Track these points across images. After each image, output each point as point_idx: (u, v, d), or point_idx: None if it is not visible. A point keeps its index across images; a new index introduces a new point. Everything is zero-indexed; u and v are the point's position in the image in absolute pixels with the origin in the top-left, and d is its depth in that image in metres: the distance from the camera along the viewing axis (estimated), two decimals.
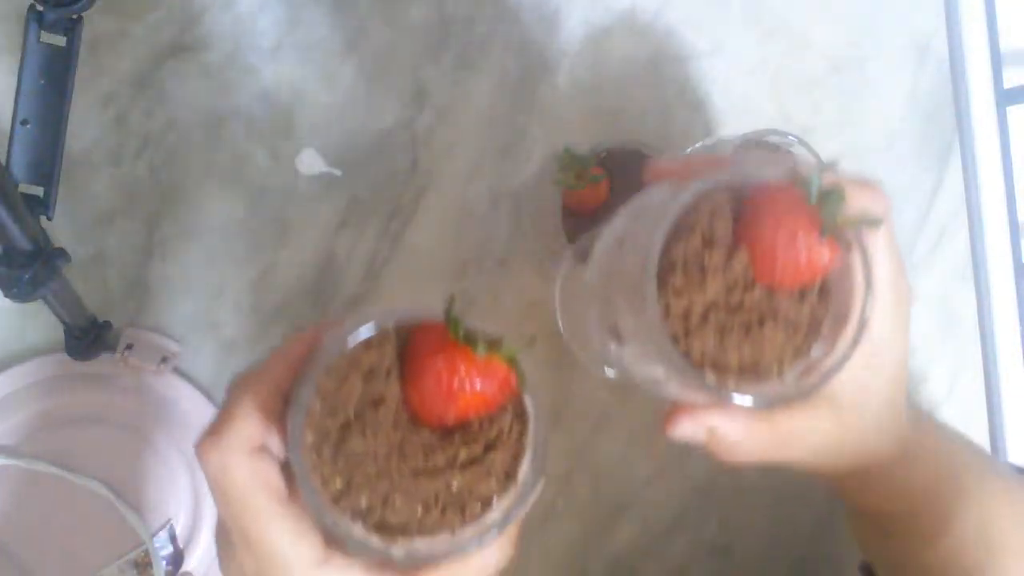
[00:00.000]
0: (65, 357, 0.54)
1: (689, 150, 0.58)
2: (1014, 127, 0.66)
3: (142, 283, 0.57)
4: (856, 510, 0.45)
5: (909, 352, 0.36)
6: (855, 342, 0.32)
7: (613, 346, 0.36)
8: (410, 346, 0.31)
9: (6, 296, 0.43)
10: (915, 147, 0.66)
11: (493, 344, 0.30)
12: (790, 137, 0.52)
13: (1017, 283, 0.66)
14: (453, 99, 0.60)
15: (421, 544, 0.30)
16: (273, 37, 0.58)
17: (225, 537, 0.32)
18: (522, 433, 0.31)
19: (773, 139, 0.53)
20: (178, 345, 0.56)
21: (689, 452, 0.61)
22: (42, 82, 0.43)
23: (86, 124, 0.56)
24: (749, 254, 0.32)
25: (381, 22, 0.59)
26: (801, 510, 0.62)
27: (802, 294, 0.33)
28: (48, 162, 0.44)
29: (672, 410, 0.35)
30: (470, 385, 0.30)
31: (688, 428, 0.35)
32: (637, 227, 0.34)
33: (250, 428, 0.31)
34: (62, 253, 0.45)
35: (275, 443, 0.31)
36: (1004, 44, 0.67)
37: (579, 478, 0.60)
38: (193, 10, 0.57)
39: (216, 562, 0.56)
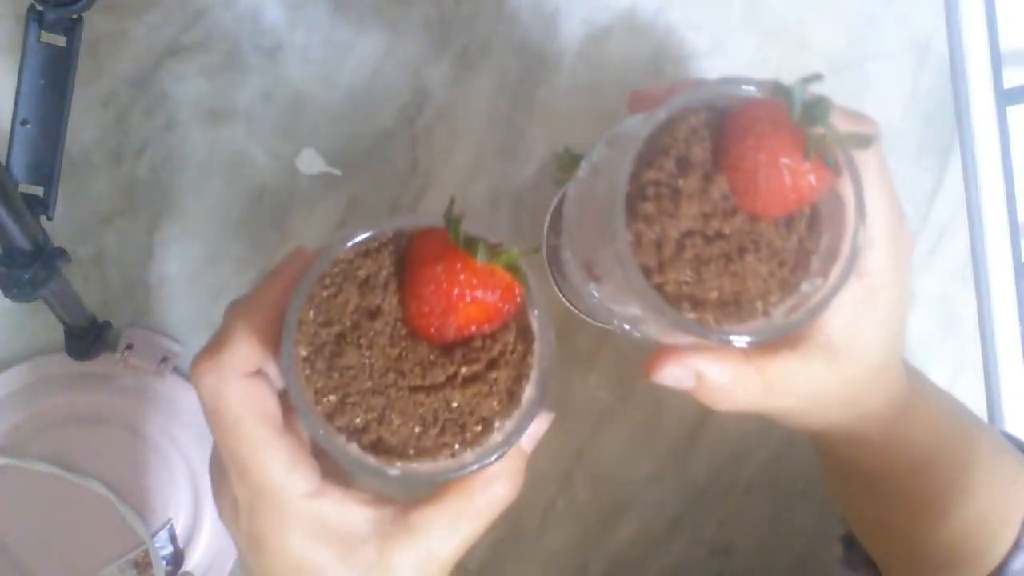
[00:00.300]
0: (65, 357, 0.54)
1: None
2: (1014, 127, 0.66)
3: (142, 283, 0.57)
4: (843, 470, 0.43)
5: (909, 297, 0.34)
6: (846, 274, 0.29)
7: (592, 286, 0.33)
8: (408, 254, 0.29)
9: (6, 296, 0.43)
10: (915, 147, 0.66)
11: (496, 250, 0.28)
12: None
13: (1017, 283, 0.66)
14: (453, 99, 0.60)
15: (419, 466, 0.28)
16: (273, 37, 0.58)
17: (219, 466, 0.31)
18: (527, 352, 0.29)
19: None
20: (178, 345, 0.56)
21: (689, 452, 0.61)
22: (42, 82, 0.43)
23: (86, 124, 0.56)
24: (728, 178, 0.29)
25: (381, 22, 0.59)
26: (801, 510, 0.62)
27: (789, 224, 0.30)
28: (48, 162, 0.44)
29: (655, 353, 0.32)
30: (471, 294, 0.28)
31: (673, 372, 0.32)
32: (611, 154, 0.31)
33: (246, 351, 0.29)
34: (62, 253, 0.45)
35: (273, 369, 0.30)
36: (1004, 44, 0.67)
37: (579, 478, 0.60)
38: (193, 10, 0.57)
39: (216, 561, 0.56)
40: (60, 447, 0.55)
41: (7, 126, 0.43)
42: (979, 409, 0.66)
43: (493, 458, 0.28)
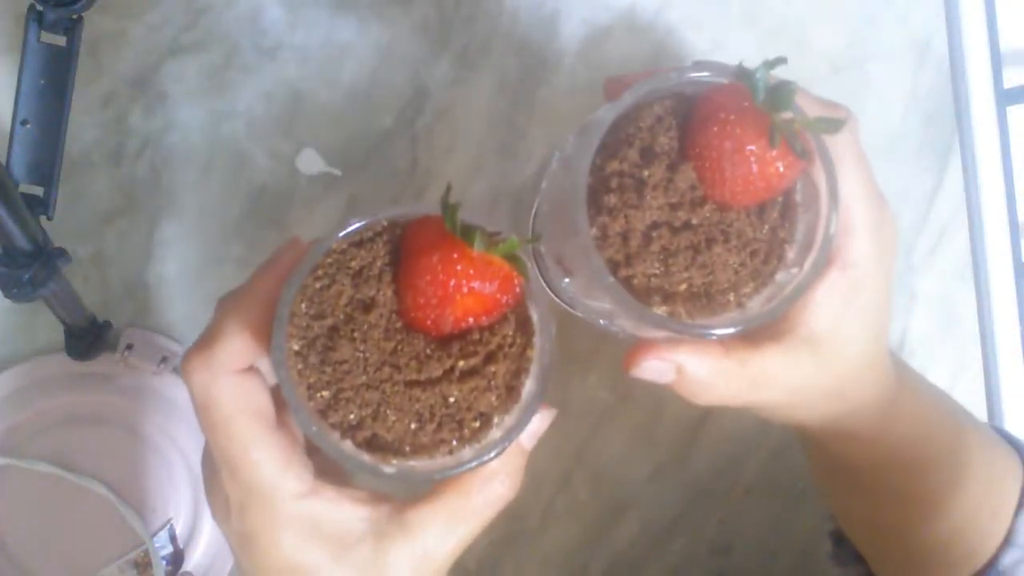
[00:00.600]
0: (65, 357, 0.54)
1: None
2: (1014, 127, 0.66)
3: (142, 283, 0.57)
4: (831, 465, 0.43)
5: (892, 289, 0.33)
6: (819, 262, 0.28)
7: (565, 281, 0.32)
8: (404, 244, 0.28)
9: (6, 296, 0.43)
10: (915, 147, 0.66)
11: (494, 239, 0.26)
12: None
13: (1017, 283, 0.66)
14: (453, 99, 0.60)
15: (416, 463, 0.27)
16: (273, 37, 0.58)
17: (210, 464, 0.30)
18: (526, 345, 0.28)
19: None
20: (178, 345, 0.56)
21: (689, 452, 0.61)
22: (42, 82, 0.43)
23: (86, 124, 0.56)
24: (695, 167, 0.28)
25: (381, 22, 0.59)
26: (801, 510, 0.62)
27: (761, 212, 0.29)
28: (48, 162, 0.44)
29: (634, 347, 0.31)
30: (467, 284, 0.26)
31: (652, 366, 0.31)
32: (579, 143, 0.29)
33: (237, 346, 0.28)
34: (62, 253, 0.45)
35: (266, 364, 0.29)
36: (1004, 44, 0.67)
37: (579, 478, 0.60)
38: (193, 10, 0.57)
39: (216, 561, 0.56)
40: (60, 447, 0.55)
41: (7, 126, 0.43)
42: (979, 409, 0.66)
43: (492, 455, 0.27)
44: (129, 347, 0.55)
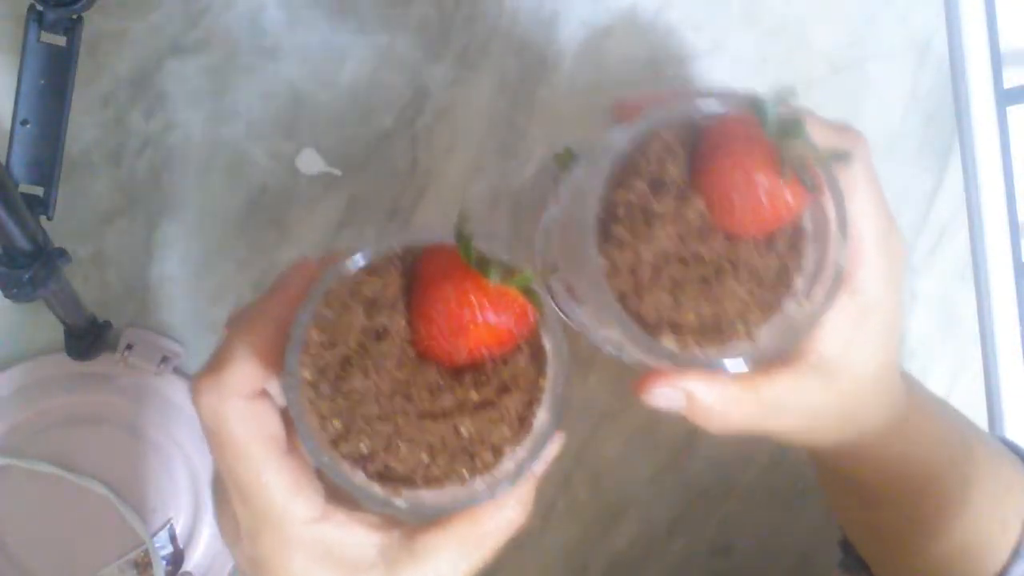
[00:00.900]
0: (65, 357, 0.54)
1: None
2: (1014, 127, 0.66)
3: (142, 283, 0.57)
4: (843, 485, 0.43)
5: (903, 314, 0.34)
6: (831, 293, 0.28)
7: (576, 309, 0.32)
8: (417, 272, 0.28)
9: (6, 296, 0.43)
10: (915, 147, 0.66)
11: (509, 271, 0.26)
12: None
13: (1017, 283, 0.66)
14: (453, 99, 0.60)
15: (427, 495, 0.27)
16: (273, 37, 0.58)
17: (220, 487, 0.30)
18: (539, 376, 0.28)
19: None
20: (178, 345, 0.56)
21: (689, 453, 0.61)
22: (42, 82, 0.43)
23: (86, 124, 0.56)
24: (704, 198, 0.28)
25: (381, 22, 0.59)
26: (801, 510, 0.62)
27: (769, 242, 0.29)
28: (48, 162, 0.44)
29: (646, 373, 0.31)
30: (482, 316, 0.26)
31: (663, 393, 0.31)
32: (590, 171, 0.29)
33: (248, 371, 0.28)
34: (62, 253, 0.45)
35: (275, 386, 0.28)
36: (1004, 44, 0.67)
37: (579, 478, 0.60)
38: (193, 10, 0.57)
39: (216, 561, 0.56)
40: (60, 447, 0.55)
41: (7, 126, 0.43)
42: (979, 409, 0.66)
43: (505, 487, 0.27)
44: (129, 347, 0.55)
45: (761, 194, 0.26)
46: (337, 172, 0.58)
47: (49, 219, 0.45)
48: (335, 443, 0.27)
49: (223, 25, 0.58)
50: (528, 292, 0.27)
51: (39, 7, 0.41)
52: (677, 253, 0.28)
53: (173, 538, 0.56)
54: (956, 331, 0.66)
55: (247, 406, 0.28)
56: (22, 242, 0.41)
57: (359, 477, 0.27)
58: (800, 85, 0.64)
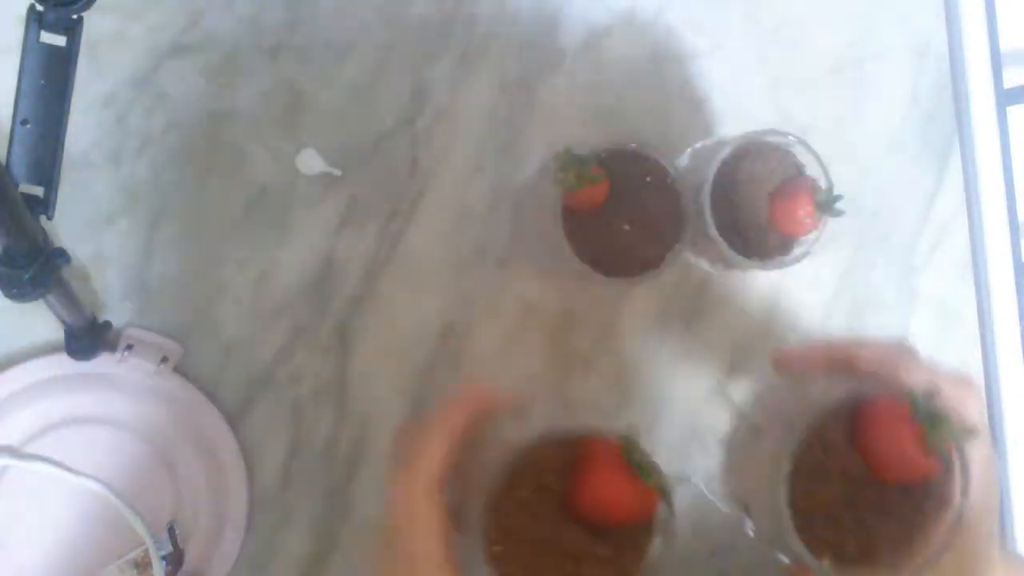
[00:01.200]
0: (65, 357, 0.54)
1: (689, 150, 0.58)
2: (1014, 127, 0.66)
3: (142, 283, 0.57)
4: None
5: (997, 517, 0.41)
6: (950, 539, 0.37)
7: (746, 519, 0.43)
8: (586, 455, 0.37)
9: (6, 296, 0.43)
10: (915, 147, 0.66)
11: (657, 477, 0.36)
12: (790, 137, 0.52)
13: (1017, 283, 0.66)
14: (453, 99, 0.60)
15: None
16: (273, 37, 0.58)
17: (390, 546, 0.38)
18: (645, 546, 0.37)
19: (773, 139, 0.53)
20: (178, 345, 0.56)
21: (689, 452, 0.61)
22: (42, 82, 0.43)
23: (86, 124, 0.56)
24: (866, 463, 0.37)
25: (381, 22, 0.59)
26: None
27: (906, 488, 0.38)
28: (48, 162, 0.44)
29: (795, 571, 0.40)
30: (627, 503, 0.36)
31: None
32: (769, 424, 0.42)
33: (435, 472, 0.37)
34: (62, 253, 0.45)
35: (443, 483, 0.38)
36: (1004, 44, 0.67)
37: None
38: (193, 10, 0.57)
39: (214, 562, 0.56)
40: (60, 447, 0.55)
41: (7, 126, 0.43)
42: None
43: None
44: (129, 347, 0.55)
45: (909, 461, 0.36)
46: (337, 172, 0.58)
47: (49, 219, 0.45)
48: (496, 560, 0.36)
49: (223, 25, 0.58)
50: (664, 494, 0.36)
51: (39, 7, 0.41)
52: (842, 498, 0.37)
53: (173, 538, 0.56)
54: (956, 331, 0.66)
55: (429, 502, 0.37)
56: (22, 242, 0.41)
57: None
58: (800, 85, 0.64)
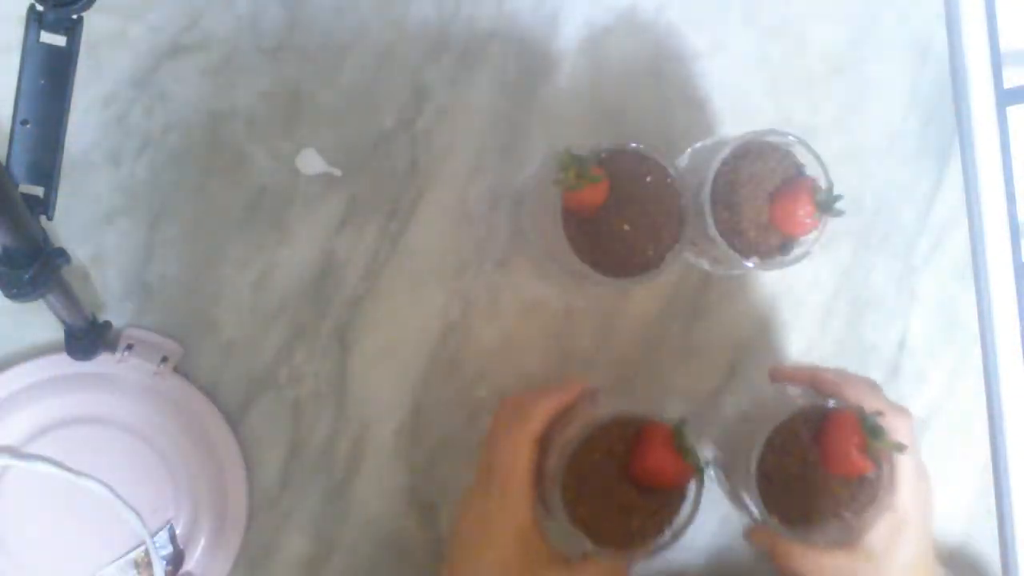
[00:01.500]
0: (65, 357, 0.54)
1: (689, 150, 0.58)
2: (1014, 127, 0.66)
3: (142, 283, 0.57)
4: None
5: (932, 529, 0.51)
6: (876, 518, 0.49)
7: (725, 483, 0.55)
8: (642, 434, 0.48)
9: (6, 296, 0.43)
10: (915, 147, 0.66)
11: (695, 458, 0.46)
12: (790, 137, 0.52)
13: (1017, 283, 0.66)
14: (453, 99, 0.60)
15: (602, 549, 0.47)
16: (273, 37, 0.58)
17: (487, 476, 0.49)
18: (678, 508, 0.48)
19: (773, 139, 0.53)
20: (178, 345, 0.56)
21: None
22: (42, 82, 0.43)
23: (86, 124, 0.56)
24: (820, 454, 0.49)
25: (381, 22, 0.59)
26: None
27: (847, 480, 0.49)
28: (48, 162, 0.44)
29: (754, 527, 0.52)
30: (670, 476, 0.47)
31: (760, 539, 0.52)
32: (756, 413, 0.55)
33: (541, 427, 0.49)
34: (62, 253, 0.45)
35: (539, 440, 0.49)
36: (1004, 44, 0.67)
37: None
38: (193, 10, 0.57)
39: (214, 562, 0.56)
40: (60, 447, 0.55)
41: (7, 126, 0.43)
42: (979, 409, 0.66)
43: (637, 558, 0.48)
44: (129, 347, 0.55)
45: (852, 459, 0.47)
46: (337, 172, 0.58)
47: (49, 219, 0.45)
48: (570, 504, 0.47)
49: (223, 25, 0.58)
50: (697, 470, 0.47)
51: (39, 7, 0.41)
52: (802, 477, 0.49)
53: (173, 538, 0.56)
54: (956, 331, 0.66)
55: (531, 450, 0.48)
56: (22, 242, 0.41)
57: (573, 526, 0.47)
58: (800, 85, 0.64)
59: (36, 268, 0.43)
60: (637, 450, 0.47)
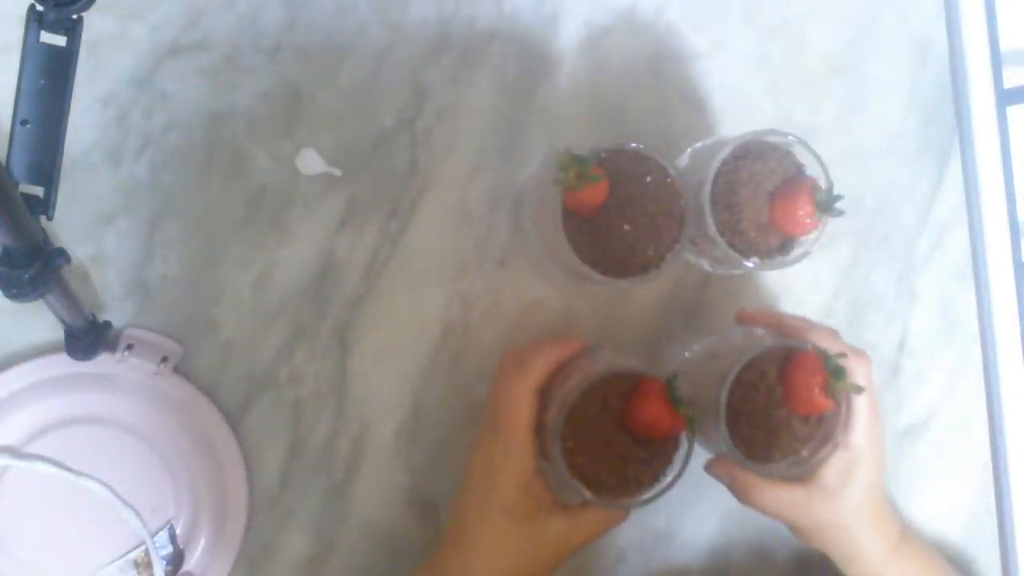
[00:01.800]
0: (65, 357, 0.54)
1: (689, 150, 0.58)
2: (1014, 127, 0.66)
3: (142, 283, 0.57)
4: None
5: (884, 467, 0.53)
6: (830, 454, 0.51)
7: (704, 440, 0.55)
8: (636, 387, 0.49)
9: (6, 296, 0.43)
10: (915, 147, 0.66)
11: (687, 409, 0.48)
12: (790, 137, 0.52)
13: (1017, 283, 0.66)
14: (453, 99, 0.60)
15: (600, 496, 0.49)
16: (273, 37, 0.58)
17: (492, 426, 0.51)
18: (672, 456, 0.51)
19: (773, 139, 0.53)
20: (178, 345, 0.56)
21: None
22: (42, 82, 0.43)
23: (86, 124, 0.56)
24: (783, 392, 0.51)
25: (381, 22, 0.59)
26: None
27: (809, 419, 0.52)
28: (48, 162, 0.44)
29: (715, 458, 0.54)
30: (664, 426, 0.48)
31: (721, 470, 0.54)
32: (724, 350, 0.55)
33: (541, 379, 0.51)
34: (62, 253, 0.45)
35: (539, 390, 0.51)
36: (1004, 44, 0.67)
37: None
38: (193, 10, 0.57)
39: (214, 562, 0.56)
40: (60, 447, 0.55)
41: (7, 126, 0.43)
42: (979, 409, 0.66)
43: (631, 506, 0.50)
44: (129, 347, 0.55)
45: (815, 399, 0.49)
46: (337, 172, 0.58)
47: (49, 219, 0.45)
48: (569, 454, 0.49)
49: (223, 25, 0.58)
50: (689, 421, 0.48)
51: (39, 7, 0.41)
52: (765, 412, 0.51)
53: (173, 538, 0.56)
54: (956, 331, 0.66)
55: (532, 399, 0.50)
56: (22, 242, 0.41)
57: (576, 483, 0.48)
58: (800, 85, 0.64)
59: (36, 268, 0.43)
60: (632, 402, 0.49)
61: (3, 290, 0.43)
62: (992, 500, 0.66)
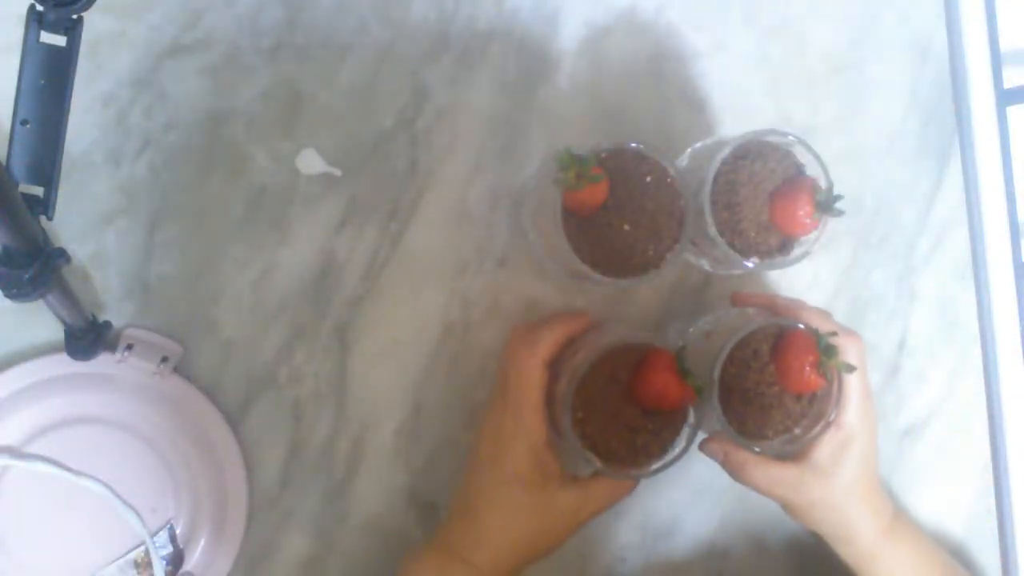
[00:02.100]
0: (65, 357, 0.54)
1: (689, 150, 0.58)
2: (1014, 127, 0.66)
3: (142, 283, 0.57)
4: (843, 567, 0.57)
5: (877, 447, 0.54)
6: (823, 432, 0.52)
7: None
8: (644, 358, 0.50)
9: (6, 296, 0.43)
10: (915, 147, 0.66)
11: (694, 380, 0.49)
12: (790, 137, 0.52)
13: (1017, 283, 0.66)
14: (453, 99, 0.60)
15: (610, 467, 0.50)
16: (273, 37, 0.58)
17: (502, 398, 0.52)
18: (680, 427, 0.52)
19: (773, 139, 0.53)
20: (178, 345, 0.56)
21: (689, 452, 0.61)
22: (42, 82, 0.43)
23: (86, 124, 0.56)
24: (777, 373, 0.52)
25: (381, 22, 0.59)
26: None
27: (799, 396, 0.53)
28: (48, 162, 0.44)
29: (709, 437, 0.54)
30: (673, 397, 0.49)
31: (715, 448, 0.54)
32: (718, 329, 0.56)
33: (550, 352, 0.51)
34: (62, 253, 0.45)
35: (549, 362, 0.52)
36: (1004, 44, 0.67)
37: None
38: (193, 10, 0.57)
39: (214, 562, 0.56)
40: (60, 447, 0.55)
41: (7, 126, 0.43)
42: (979, 409, 0.66)
43: (639, 477, 0.52)
44: (129, 347, 0.55)
45: (807, 378, 0.50)
46: (337, 172, 0.58)
47: (49, 219, 0.45)
48: (579, 425, 0.50)
49: (223, 25, 0.58)
50: (699, 392, 0.49)
51: (39, 7, 0.41)
52: (757, 390, 0.52)
53: (173, 538, 0.56)
54: (956, 331, 0.66)
55: (542, 371, 0.51)
56: (22, 242, 0.41)
57: (588, 453, 0.50)
58: (800, 85, 0.64)
59: (36, 268, 0.43)
60: (641, 374, 0.50)
61: (3, 290, 0.43)
62: (992, 500, 0.66)
